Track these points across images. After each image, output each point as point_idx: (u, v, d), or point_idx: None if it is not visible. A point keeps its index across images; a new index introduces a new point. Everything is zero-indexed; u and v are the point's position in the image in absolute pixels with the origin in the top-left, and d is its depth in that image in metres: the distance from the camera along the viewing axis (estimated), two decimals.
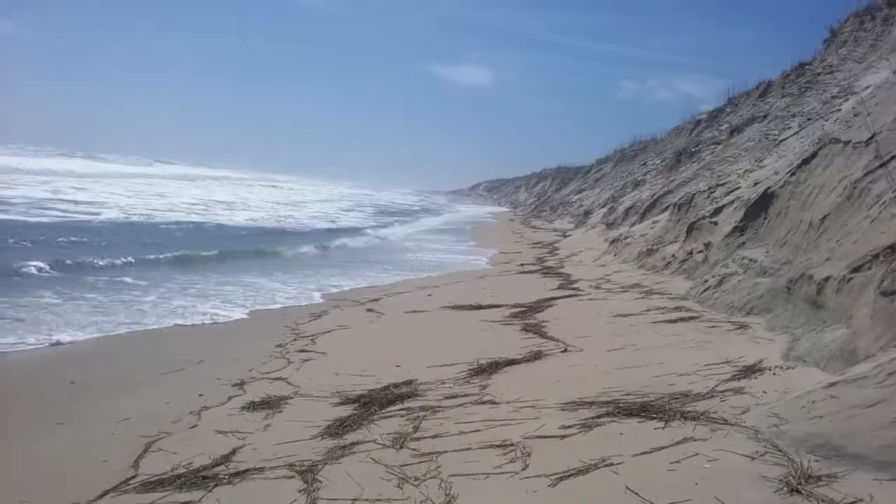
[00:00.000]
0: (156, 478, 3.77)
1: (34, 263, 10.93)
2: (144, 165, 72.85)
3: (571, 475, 3.57)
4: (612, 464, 3.66)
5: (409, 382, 5.56)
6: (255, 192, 50.17)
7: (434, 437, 4.27)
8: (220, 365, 6.30)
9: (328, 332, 7.90)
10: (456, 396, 5.15)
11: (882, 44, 13.93)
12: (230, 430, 4.52)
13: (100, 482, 3.72)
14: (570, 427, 4.27)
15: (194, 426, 4.66)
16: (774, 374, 5.11)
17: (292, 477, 3.75)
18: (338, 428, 4.51)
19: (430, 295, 10.81)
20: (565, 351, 6.60)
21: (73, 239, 15.61)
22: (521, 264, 15.99)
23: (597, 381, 5.28)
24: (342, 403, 5.07)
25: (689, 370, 5.37)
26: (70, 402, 5.19)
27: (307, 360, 6.55)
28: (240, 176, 78.05)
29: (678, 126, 33.15)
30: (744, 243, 9.25)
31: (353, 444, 4.22)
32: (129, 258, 12.44)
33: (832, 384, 3.98)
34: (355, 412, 4.83)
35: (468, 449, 4.02)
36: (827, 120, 11.07)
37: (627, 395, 4.86)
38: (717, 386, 4.90)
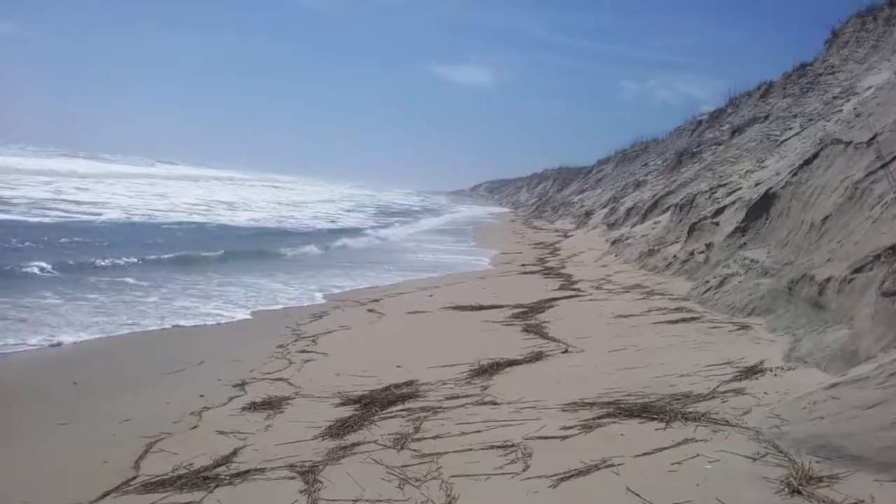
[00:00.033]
0: (157, 478, 3.77)
1: (36, 264, 10.95)
2: (146, 166, 72.95)
3: (572, 476, 3.57)
4: (612, 465, 3.66)
5: (410, 383, 5.56)
6: (256, 192, 50.21)
7: (435, 437, 4.27)
8: (221, 365, 6.30)
9: (329, 332, 7.91)
10: (457, 397, 5.15)
11: (884, 44, 13.92)
12: (231, 431, 4.52)
13: (101, 483, 3.73)
14: (571, 428, 4.27)
15: (195, 427, 4.66)
16: (776, 374, 5.11)
17: (293, 478, 3.76)
18: (339, 428, 4.51)
19: (431, 295, 10.81)
20: (566, 352, 6.59)
21: (75, 239, 15.63)
22: (523, 265, 15.98)
23: (598, 382, 5.28)
24: (343, 404, 5.08)
25: (690, 371, 5.37)
26: (71, 403, 5.19)
27: (308, 361, 6.55)
28: (241, 176, 78.10)
29: (679, 126, 33.16)
30: (745, 244, 9.24)
31: (354, 444, 4.22)
32: (131, 259, 12.46)
33: (833, 385, 3.98)
34: (356, 413, 4.83)
35: (469, 450, 4.02)
36: (828, 120, 11.06)
37: (628, 395, 4.86)
38: (718, 387, 4.89)
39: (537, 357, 6.38)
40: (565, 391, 5.08)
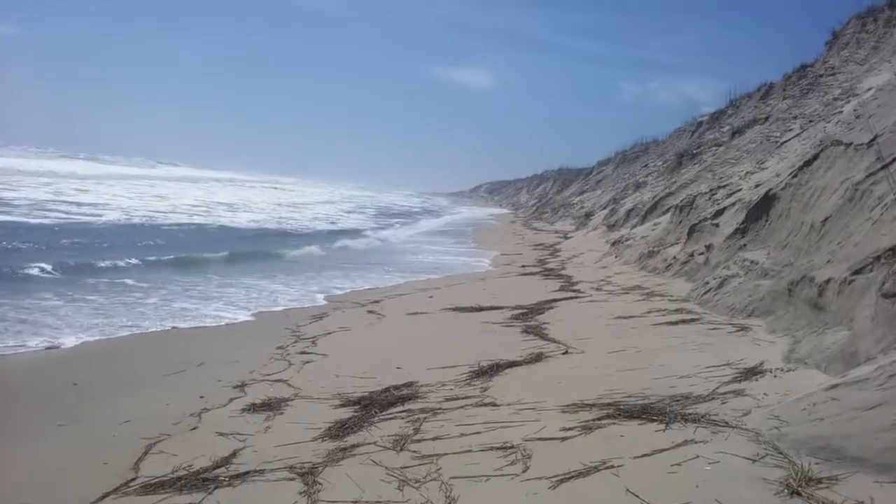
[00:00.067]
0: (156, 480, 3.77)
1: (37, 265, 10.96)
2: (147, 167, 73.05)
3: (572, 477, 3.57)
4: (612, 466, 3.66)
5: (409, 384, 5.56)
6: (256, 193, 50.23)
7: (434, 439, 4.27)
8: (221, 367, 6.30)
9: (329, 333, 7.91)
10: (457, 398, 5.14)
11: (884, 46, 13.93)
12: (231, 432, 4.52)
13: (100, 484, 3.73)
14: (570, 429, 4.26)
15: (195, 428, 4.66)
16: (775, 376, 5.11)
17: (293, 479, 3.75)
18: (338, 430, 4.51)
19: (431, 297, 10.81)
20: (566, 353, 6.59)
21: (75, 241, 15.64)
22: (523, 266, 15.98)
23: (597, 383, 5.28)
24: (343, 405, 5.08)
25: (689, 372, 5.37)
26: (71, 404, 5.19)
27: (308, 362, 6.55)
28: (241, 177, 78.15)
29: (679, 128, 33.18)
30: (745, 245, 9.24)
31: (353, 446, 4.22)
32: (131, 260, 12.47)
33: (833, 386, 3.98)
34: (356, 414, 4.83)
35: (469, 451, 4.02)
36: (828, 122, 11.07)
37: (628, 397, 4.85)
38: (717, 388, 4.89)
39: (537, 358, 6.38)
40: (565, 392, 5.08)
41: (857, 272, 5.41)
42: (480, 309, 9.42)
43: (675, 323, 7.56)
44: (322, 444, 4.28)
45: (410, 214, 46.18)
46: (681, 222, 13.30)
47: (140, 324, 7.96)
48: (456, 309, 9.50)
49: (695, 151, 21.92)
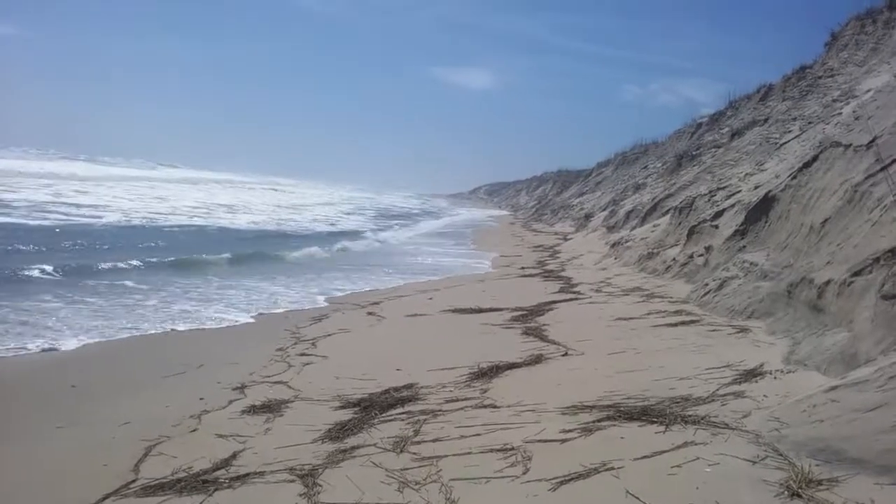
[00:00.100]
0: (156, 482, 3.77)
1: (36, 267, 10.96)
2: (147, 169, 73.07)
3: (572, 479, 3.57)
4: (612, 468, 3.66)
5: (409, 386, 5.56)
6: (256, 195, 50.23)
7: (435, 440, 4.27)
8: (221, 368, 6.30)
9: (329, 335, 7.90)
10: (457, 400, 5.14)
11: (883, 47, 13.96)
12: (231, 434, 4.52)
13: (100, 486, 3.73)
14: (570, 431, 4.26)
15: (195, 430, 4.66)
16: (775, 377, 5.11)
17: (293, 481, 3.75)
18: (338, 432, 4.51)
19: (430, 298, 10.81)
20: (566, 354, 6.59)
21: (75, 243, 15.64)
22: (522, 268, 15.98)
23: (597, 385, 5.28)
24: (343, 407, 5.07)
25: (689, 374, 5.37)
26: (71, 406, 5.19)
27: (308, 364, 6.55)
28: (241, 179, 78.14)
29: (679, 129, 33.25)
30: (744, 247, 9.25)
31: (353, 447, 4.22)
32: (131, 262, 12.44)
33: (833, 388, 3.98)
34: (356, 416, 4.83)
35: (469, 453, 4.02)
36: (828, 123, 11.08)
37: (628, 398, 4.85)
38: (717, 390, 4.89)
39: (537, 360, 6.38)
40: (565, 394, 5.08)
41: (857, 274, 5.42)
42: (480, 311, 9.42)
43: (675, 325, 7.56)
44: (322, 446, 4.28)
45: (410, 216, 46.18)
46: (680, 224, 13.31)
47: (140, 326, 7.95)
48: (455, 311, 9.50)
49: (694, 153, 21.94)
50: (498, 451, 4.02)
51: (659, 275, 11.80)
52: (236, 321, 8.65)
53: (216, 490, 3.66)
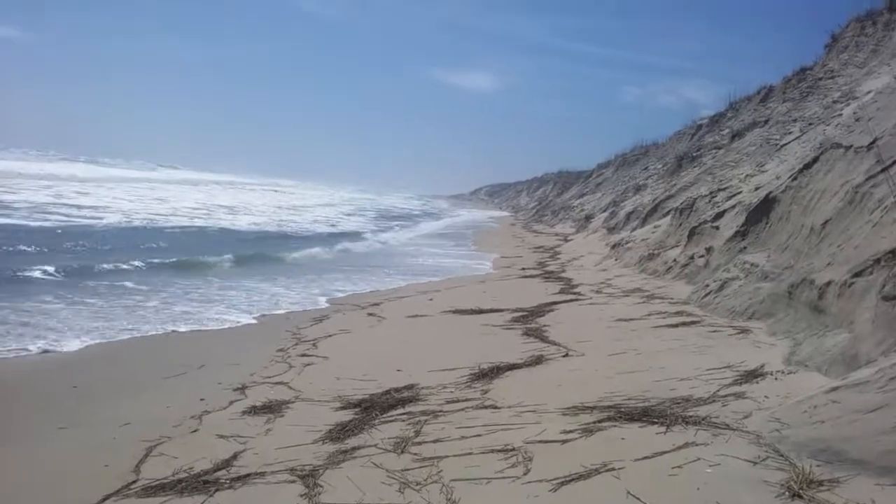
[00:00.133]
0: (157, 482, 3.77)
1: (37, 268, 10.96)
2: (147, 170, 73.15)
3: (573, 480, 3.57)
4: (613, 469, 3.66)
5: (410, 387, 5.56)
6: (257, 196, 50.26)
7: (435, 441, 4.27)
8: (222, 369, 6.30)
9: (330, 336, 7.91)
10: (457, 401, 5.15)
11: (883, 49, 13.96)
12: (231, 435, 4.52)
13: (101, 486, 3.73)
14: (571, 432, 4.27)
15: (196, 430, 4.66)
16: (776, 378, 5.11)
17: (294, 481, 3.75)
18: (339, 432, 4.51)
19: (431, 299, 10.81)
20: (566, 355, 6.59)
21: (76, 244, 15.65)
22: (523, 268, 15.99)
23: (598, 386, 5.28)
24: (343, 408, 5.08)
25: (690, 375, 5.37)
26: (72, 407, 5.19)
27: (308, 365, 6.55)
28: (242, 180, 78.25)
29: (680, 131, 33.26)
30: (745, 248, 9.25)
31: (354, 448, 4.22)
32: (132, 263, 12.44)
33: (834, 389, 3.98)
34: (356, 417, 4.83)
35: (469, 454, 4.02)
36: (828, 125, 11.09)
37: (629, 399, 4.85)
38: (718, 391, 4.89)
39: (537, 361, 6.38)
40: (566, 395, 5.08)
41: (857, 275, 5.42)
42: (481, 311, 9.43)
43: (676, 325, 7.56)
44: (323, 447, 4.28)
45: (410, 217, 46.19)
46: (681, 225, 13.32)
47: (141, 327, 7.95)
48: (456, 311, 9.50)
49: (695, 154, 21.94)
50: (499, 451, 4.02)
51: (659, 276, 11.80)
52: (238, 322, 8.65)
53: (217, 490, 3.66)
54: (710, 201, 12.62)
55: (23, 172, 40.17)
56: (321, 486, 3.66)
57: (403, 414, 4.87)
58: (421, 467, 3.86)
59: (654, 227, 16.18)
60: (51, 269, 11.00)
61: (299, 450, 4.22)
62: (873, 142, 6.86)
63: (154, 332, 7.79)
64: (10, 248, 13.85)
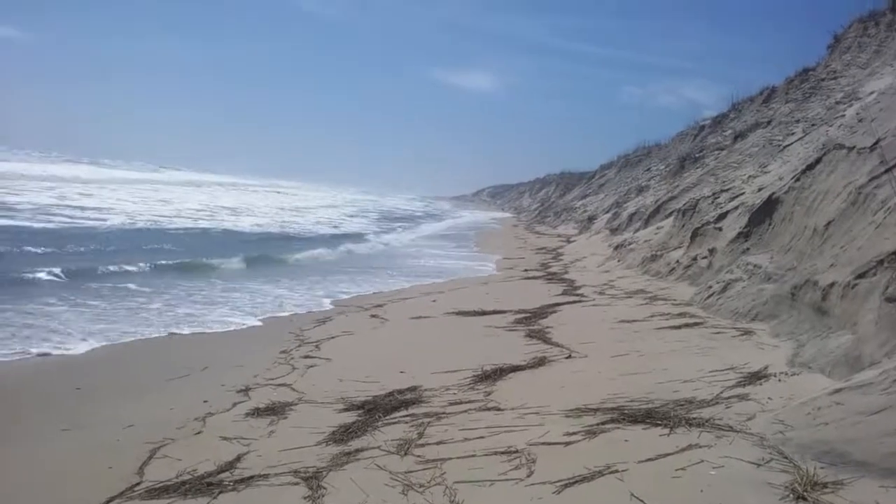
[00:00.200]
0: (161, 484, 3.78)
1: (41, 270, 10.98)
2: (150, 171, 73.28)
3: (576, 482, 3.56)
4: (616, 471, 3.66)
5: (413, 389, 5.56)
6: (259, 197, 50.31)
7: (438, 443, 4.27)
8: (225, 371, 6.31)
9: (333, 338, 7.91)
10: (460, 403, 5.15)
11: (886, 49, 13.94)
12: (235, 437, 4.53)
13: (105, 488, 3.74)
14: (574, 434, 4.26)
15: (199, 432, 4.67)
16: (779, 380, 5.10)
17: (297, 483, 3.76)
18: (342, 434, 4.51)
19: (434, 301, 10.81)
20: (569, 357, 6.59)
21: (80, 245, 15.68)
22: (525, 270, 15.98)
23: (601, 388, 5.28)
24: (347, 410, 5.08)
25: (693, 376, 5.36)
26: (75, 408, 5.20)
27: (312, 367, 6.56)
28: (244, 182, 78.37)
29: (682, 132, 33.20)
30: (748, 249, 9.24)
31: (357, 450, 4.22)
32: (136, 265, 12.45)
33: (837, 391, 3.97)
34: (360, 418, 4.83)
35: (473, 455, 4.02)
36: (831, 125, 11.07)
37: (632, 401, 4.85)
38: (721, 392, 4.89)
39: (540, 362, 6.38)
40: (569, 397, 5.08)
41: (861, 276, 5.41)
42: (483, 313, 9.43)
43: (679, 327, 7.55)
44: (326, 449, 4.28)
45: (413, 218, 46.21)
46: (684, 226, 13.30)
47: (144, 329, 7.96)
48: (459, 313, 9.50)
49: (697, 155, 21.91)
50: (502, 453, 4.02)
51: (662, 277, 11.79)
52: (242, 325, 8.66)
53: (220, 493, 3.67)
54: (712, 202, 12.61)
55: (26, 174, 40.25)
56: (324, 489, 3.67)
57: (407, 416, 4.87)
58: (424, 469, 3.86)
59: (657, 228, 16.17)
60: (55, 270, 11.01)
61: (303, 452, 4.23)
62: (876, 143, 6.85)
63: (157, 335, 7.80)
64: (14, 250, 13.88)
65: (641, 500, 3.31)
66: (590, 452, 3.96)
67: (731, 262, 9.31)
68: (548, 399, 5.05)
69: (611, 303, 10.06)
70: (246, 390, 5.67)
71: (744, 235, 9.58)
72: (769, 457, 3.67)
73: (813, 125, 12.64)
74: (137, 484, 3.81)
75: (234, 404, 5.29)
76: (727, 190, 12.67)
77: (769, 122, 16.50)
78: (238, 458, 4.13)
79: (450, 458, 3.99)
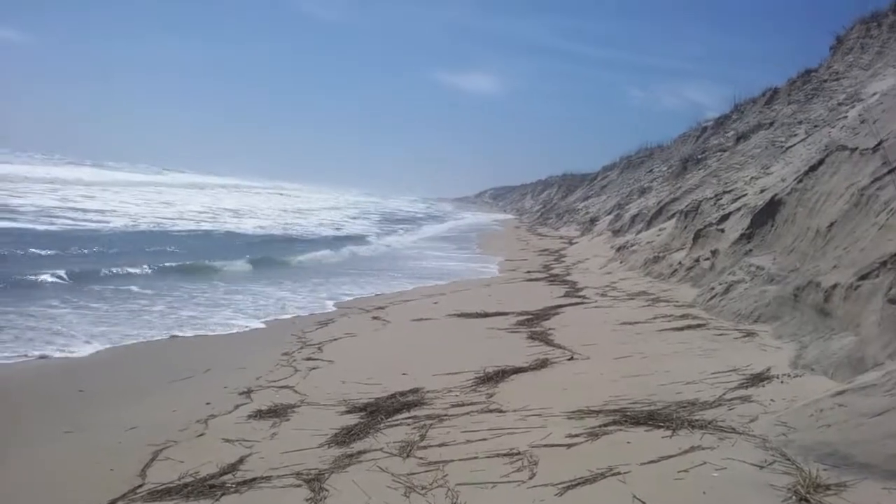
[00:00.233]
0: (163, 486, 3.78)
1: (44, 272, 11.00)
2: (152, 174, 73.43)
3: (578, 484, 3.56)
4: (619, 473, 3.65)
5: (415, 391, 5.56)
6: (262, 199, 50.42)
7: (441, 445, 4.27)
8: (227, 373, 6.32)
9: (335, 340, 7.92)
10: (462, 405, 5.14)
11: (888, 51, 13.92)
12: (237, 439, 4.53)
13: (107, 490, 3.74)
14: (576, 436, 4.26)
15: (201, 434, 4.68)
16: (782, 382, 5.09)
17: (299, 486, 3.76)
18: (344, 436, 4.52)
19: (436, 303, 10.82)
20: (572, 359, 6.59)
21: (83, 248, 15.70)
22: (528, 272, 15.98)
23: (603, 390, 5.27)
24: (349, 412, 5.08)
25: (696, 378, 5.36)
26: (78, 411, 5.21)
27: (314, 369, 6.56)
28: (247, 184, 78.49)
29: (684, 133, 33.19)
30: (751, 250, 9.23)
31: (359, 452, 4.22)
32: (139, 267, 12.47)
33: (840, 392, 3.96)
34: (362, 420, 4.83)
35: (475, 458, 4.02)
36: (833, 127, 11.05)
37: (634, 403, 4.84)
38: (724, 394, 4.88)
39: (543, 364, 6.38)
40: (571, 399, 5.08)
41: (864, 277, 5.40)
42: (486, 315, 9.43)
43: (681, 329, 7.55)
44: (328, 451, 4.28)
45: (415, 220, 46.26)
46: (686, 228, 13.29)
47: (147, 331, 7.97)
48: (461, 315, 9.51)
49: (700, 157, 21.89)
50: (504, 455, 4.02)
51: (665, 279, 11.78)
52: (245, 327, 8.66)
53: (223, 495, 3.67)
54: (715, 204, 12.59)
55: (28, 176, 40.31)
56: (327, 491, 3.67)
57: (409, 418, 4.87)
58: (426, 471, 3.86)
59: (660, 229, 16.14)
60: (58, 272, 11.03)
61: (305, 454, 4.23)
62: (879, 144, 6.84)
63: (160, 337, 7.81)
64: (18, 252, 13.91)
65: (644, 502, 3.30)
66: (592, 454, 3.95)
67: (733, 264, 9.29)
68: (550, 401, 5.05)
69: (613, 304, 10.06)
70: (248, 392, 5.68)
71: (746, 237, 9.56)
72: (772, 459, 3.67)
73: (815, 126, 12.63)
74: (139, 486, 3.81)
75: (237, 406, 5.29)
76: (729, 191, 12.65)
77: (771, 124, 16.48)
78: (240, 461, 4.13)
79: (452, 460, 3.99)
